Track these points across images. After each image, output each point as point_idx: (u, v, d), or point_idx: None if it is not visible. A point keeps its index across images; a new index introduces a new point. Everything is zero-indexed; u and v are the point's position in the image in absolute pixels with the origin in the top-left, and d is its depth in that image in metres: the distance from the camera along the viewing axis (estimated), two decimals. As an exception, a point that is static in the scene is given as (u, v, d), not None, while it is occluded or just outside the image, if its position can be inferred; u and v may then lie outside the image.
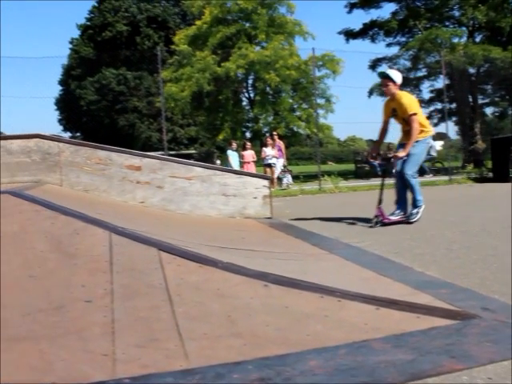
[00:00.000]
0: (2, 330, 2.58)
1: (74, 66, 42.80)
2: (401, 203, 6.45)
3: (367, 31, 29.91)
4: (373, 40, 30.14)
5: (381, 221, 6.13)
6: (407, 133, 6.11)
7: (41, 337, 2.53)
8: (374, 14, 33.47)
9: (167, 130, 24.19)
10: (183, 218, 5.86)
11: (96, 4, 44.72)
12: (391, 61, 28.14)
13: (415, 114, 6.01)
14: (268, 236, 5.27)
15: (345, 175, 19.94)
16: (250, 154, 15.93)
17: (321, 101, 23.38)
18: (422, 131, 6.08)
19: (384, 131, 6.69)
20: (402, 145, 6.22)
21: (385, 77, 6.25)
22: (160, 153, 14.04)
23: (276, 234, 5.45)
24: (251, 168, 15.26)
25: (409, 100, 6.13)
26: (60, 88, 44.76)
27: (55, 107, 45.02)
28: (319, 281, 3.13)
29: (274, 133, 17.96)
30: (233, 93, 24.99)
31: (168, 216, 5.74)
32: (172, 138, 34.45)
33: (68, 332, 2.56)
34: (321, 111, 23.03)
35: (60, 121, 45.07)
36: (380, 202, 6.19)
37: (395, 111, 6.21)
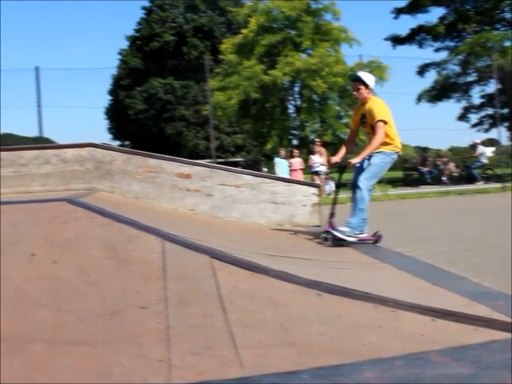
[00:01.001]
0: (61, 334, 2.65)
1: (123, 76, 43.73)
2: None
3: (414, 36, 29.48)
4: (420, 45, 29.67)
5: (332, 237, 5.29)
6: None
7: (98, 341, 2.59)
8: (421, 19, 32.96)
9: (214, 138, 24.42)
10: (232, 225, 5.89)
11: (144, 15, 45.66)
12: (439, 66, 27.63)
13: (383, 121, 5.36)
14: (318, 244, 5.24)
15: (393, 182, 19.66)
16: (297, 162, 15.92)
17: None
18: (388, 143, 5.45)
19: (351, 141, 6.12)
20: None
21: (356, 79, 5.65)
22: (207, 160, 14.19)
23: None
24: (299, 176, 15.22)
25: (380, 106, 5.51)
26: (110, 98, 45.84)
27: (105, 116, 46.12)
28: (372, 290, 3.08)
29: (316, 140, 17.88)
30: (279, 100, 25.02)
31: (217, 223, 5.78)
32: (219, 146, 34.73)
33: (124, 337, 2.60)
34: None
35: (110, 129, 46.14)
36: (332, 215, 5.46)
37: (364, 117, 5.58)
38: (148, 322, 2.71)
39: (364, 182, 5.39)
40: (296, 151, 16.66)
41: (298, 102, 25.61)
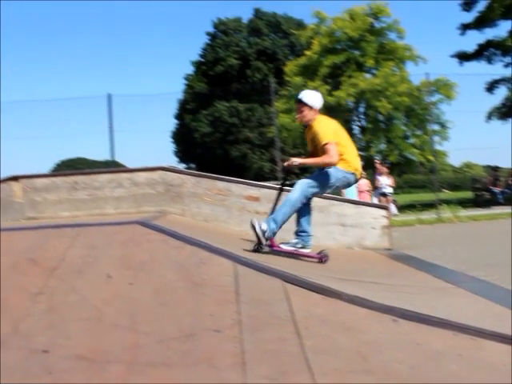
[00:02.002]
0: (139, 355, 2.70)
1: (189, 100, 44.74)
2: (299, 231, 5.27)
3: (482, 52, 28.64)
4: (489, 61, 28.74)
5: (269, 245, 4.88)
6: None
7: (174, 363, 2.62)
8: (489, 34, 31.93)
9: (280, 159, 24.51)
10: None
11: (208, 41, 46.75)
12: (510, 82, 26.72)
13: (330, 143, 4.87)
14: (390, 268, 5.14)
15: (463, 203, 19.04)
16: (364, 183, 15.64)
17: (435, 127, 22.67)
18: (342, 163, 5.02)
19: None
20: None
21: (298, 101, 5.19)
22: (273, 182, 14.24)
23: (398, 266, 5.30)
24: (366, 197, 14.93)
25: (325, 127, 5.03)
26: (176, 122, 46.95)
27: (171, 140, 47.20)
28: (449, 317, 2.99)
29: (376, 160, 17.58)
30: (344, 121, 24.86)
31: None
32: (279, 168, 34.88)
33: (200, 360, 2.62)
34: (435, 138, 22.29)
35: (176, 153, 47.17)
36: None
37: (314, 141, 5.10)
38: (223, 345, 2.72)
39: (303, 183, 5.00)
40: (363, 172, 16.33)
41: (363, 123, 25.38)
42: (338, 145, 4.99)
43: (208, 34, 47.18)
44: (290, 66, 25.92)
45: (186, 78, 47.05)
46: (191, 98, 44.59)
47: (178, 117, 46.49)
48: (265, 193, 6.24)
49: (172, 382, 2.49)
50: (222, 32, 46.17)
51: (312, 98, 5.16)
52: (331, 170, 5.00)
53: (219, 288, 3.36)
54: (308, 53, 25.31)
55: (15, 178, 6.82)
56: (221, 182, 6.28)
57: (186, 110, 44.52)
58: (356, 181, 5.35)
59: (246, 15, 48.03)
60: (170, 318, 3.08)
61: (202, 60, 46.26)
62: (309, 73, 24.68)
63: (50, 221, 6.15)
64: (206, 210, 6.19)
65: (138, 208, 6.37)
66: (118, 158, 16.78)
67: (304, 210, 5.21)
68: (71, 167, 45.38)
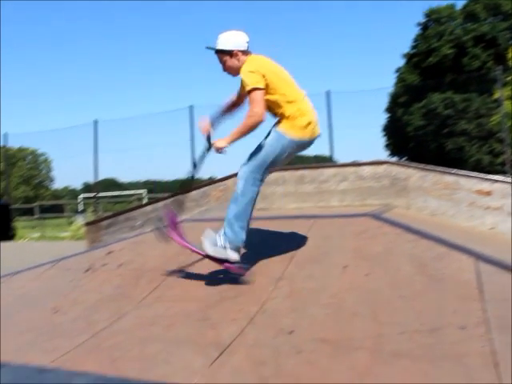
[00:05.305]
0: (381, 345, 2.74)
1: (401, 93, 43.72)
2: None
3: None
4: None
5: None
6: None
7: (419, 356, 2.61)
8: None
9: (499, 152, 22.82)
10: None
11: (420, 31, 45.12)
12: None
13: (256, 89, 3.63)
14: None
15: None
16: None
17: None
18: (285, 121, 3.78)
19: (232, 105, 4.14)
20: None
21: (215, 52, 3.88)
22: (501, 176, 13.28)
23: None
24: None
25: (246, 69, 3.72)
26: (386, 116, 46.25)
27: (382, 134, 46.63)
28: None
29: None
30: None
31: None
32: (505, 161, 32.31)
33: (446, 356, 2.57)
34: None
35: (387, 146, 46.50)
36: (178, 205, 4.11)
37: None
38: (470, 343, 2.63)
39: (246, 169, 3.75)
40: None
41: None
42: (275, 92, 3.77)
43: (419, 24, 45.58)
44: (515, 51, 23.83)
45: (398, 71, 46.08)
46: (403, 91, 43.54)
47: (390, 110, 45.76)
48: (498, 187, 5.85)
49: (418, 374, 2.49)
50: (435, 21, 44.20)
51: (227, 40, 3.87)
52: (274, 137, 3.80)
53: (460, 284, 3.25)
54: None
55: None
56: (449, 176, 6.03)
57: (398, 104, 43.59)
58: (311, 142, 3.93)
59: (460, 1, 45.25)
60: (410, 311, 3.07)
61: (414, 52, 44.84)
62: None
63: (279, 212, 6.51)
64: (432, 204, 6.01)
65: (362, 201, 6.45)
66: (326, 152, 16.84)
67: None
68: (284, 162, 47.43)
